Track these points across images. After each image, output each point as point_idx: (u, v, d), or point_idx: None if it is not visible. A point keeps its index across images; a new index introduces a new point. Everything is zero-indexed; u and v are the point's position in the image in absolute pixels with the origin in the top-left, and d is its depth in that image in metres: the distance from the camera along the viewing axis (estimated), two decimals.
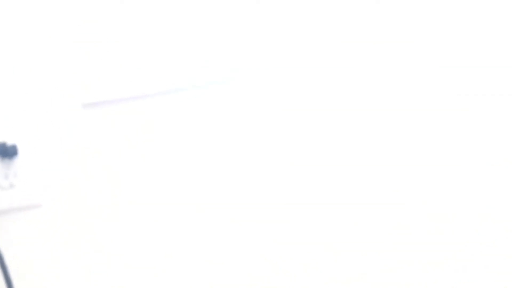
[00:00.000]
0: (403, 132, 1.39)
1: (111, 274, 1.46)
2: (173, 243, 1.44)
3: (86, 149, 1.47)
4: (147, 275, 1.45)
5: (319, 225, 1.41)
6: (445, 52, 1.37)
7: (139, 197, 1.45)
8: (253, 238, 1.43)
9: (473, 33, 1.36)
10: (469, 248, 1.37)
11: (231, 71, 1.41)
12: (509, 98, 1.36)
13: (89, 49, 1.45)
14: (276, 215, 1.42)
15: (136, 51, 1.44)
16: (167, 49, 1.43)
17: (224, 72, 1.41)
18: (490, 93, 1.36)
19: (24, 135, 1.49)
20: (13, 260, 1.47)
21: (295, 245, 1.42)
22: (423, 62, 1.38)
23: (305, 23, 1.40)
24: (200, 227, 1.44)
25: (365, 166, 1.40)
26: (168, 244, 1.45)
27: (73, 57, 1.47)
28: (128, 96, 1.44)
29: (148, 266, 1.45)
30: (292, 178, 1.41)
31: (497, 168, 1.36)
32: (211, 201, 1.43)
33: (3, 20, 1.49)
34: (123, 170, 1.45)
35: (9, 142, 1.49)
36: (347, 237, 1.40)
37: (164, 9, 1.43)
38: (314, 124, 1.41)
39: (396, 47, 1.38)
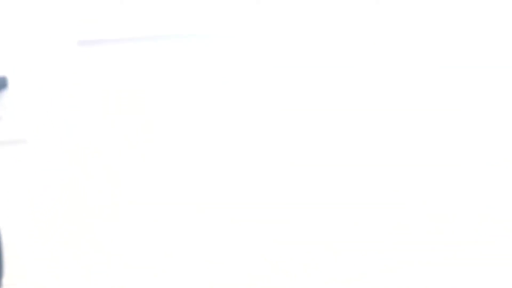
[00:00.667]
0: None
1: (97, 216, 1.45)
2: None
3: (78, 86, 1.45)
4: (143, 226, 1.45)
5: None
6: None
7: (133, 133, 1.44)
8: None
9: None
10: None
11: (224, 25, 1.43)
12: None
13: None
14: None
15: None
16: None
17: (218, 25, 1.43)
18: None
19: (15, 68, 1.45)
20: None
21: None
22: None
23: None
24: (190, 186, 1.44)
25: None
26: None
27: None
28: (122, 37, 1.44)
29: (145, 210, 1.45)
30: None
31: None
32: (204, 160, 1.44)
33: None
34: (115, 109, 1.44)
35: (0, 73, 1.45)
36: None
37: None
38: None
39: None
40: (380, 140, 1.40)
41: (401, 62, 1.40)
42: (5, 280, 1.40)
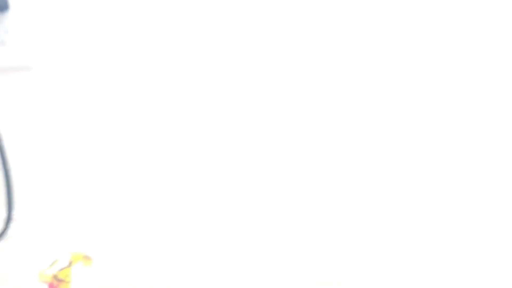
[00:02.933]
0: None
1: (105, 141, 1.39)
2: None
3: (83, 12, 1.39)
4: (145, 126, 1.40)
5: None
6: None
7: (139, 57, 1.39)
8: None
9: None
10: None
11: None
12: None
13: None
14: None
15: None
16: None
17: None
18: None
19: None
20: (2, 121, 1.37)
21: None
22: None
23: None
24: None
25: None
26: None
27: None
28: None
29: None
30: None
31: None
32: None
33: None
34: (116, 35, 1.39)
35: None
36: (346, 236, 1.40)
37: None
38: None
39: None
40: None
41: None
42: (16, 212, 1.36)
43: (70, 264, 0.97)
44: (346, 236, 1.38)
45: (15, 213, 1.33)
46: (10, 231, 1.32)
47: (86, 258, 1.00)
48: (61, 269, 0.96)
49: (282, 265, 1.38)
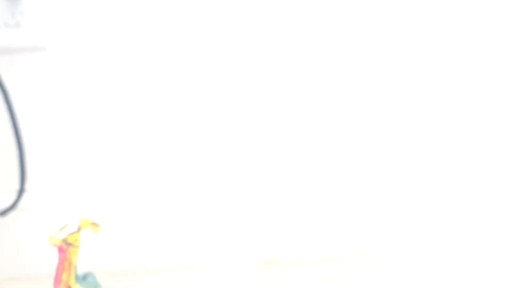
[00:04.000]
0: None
1: (114, 118, 1.44)
2: None
3: None
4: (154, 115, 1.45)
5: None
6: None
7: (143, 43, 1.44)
8: None
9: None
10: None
11: None
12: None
13: None
14: None
15: None
16: None
17: None
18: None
19: None
20: (16, 99, 1.40)
21: None
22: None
23: None
24: None
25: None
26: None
27: None
28: None
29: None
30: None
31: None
32: None
33: None
34: (129, 16, 1.44)
35: None
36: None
37: None
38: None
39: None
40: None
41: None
42: (28, 184, 1.42)
43: (79, 230, 1.04)
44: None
45: (28, 185, 1.38)
46: (22, 203, 1.38)
47: (94, 224, 1.06)
48: (71, 234, 1.02)
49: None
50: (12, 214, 1.37)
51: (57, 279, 1.03)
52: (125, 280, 1.36)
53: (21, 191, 1.36)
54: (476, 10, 1.43)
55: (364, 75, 1.45)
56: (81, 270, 1.16)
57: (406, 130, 1.46)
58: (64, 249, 1.03)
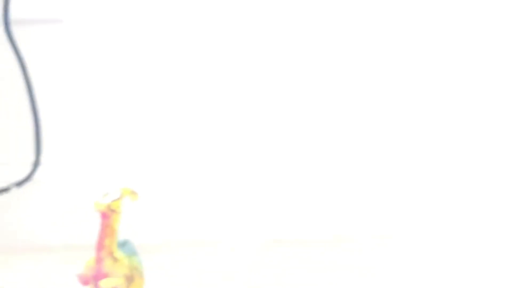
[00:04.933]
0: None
1: (131, 90, 1.45)
2: None
3: None
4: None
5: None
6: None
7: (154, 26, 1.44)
8: None
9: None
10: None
11: None
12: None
13: None
14: None
15: None
16: None
17: None
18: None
19: None
20: (33, 70, 1.41)
21: None
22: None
23: None
24: None
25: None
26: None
27: None
28: None
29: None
30: None
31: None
32: None
33: None
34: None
35: None
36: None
37: None
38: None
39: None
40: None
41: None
42: (43, 157, 1.42)
43: (121, 197, 1.05)
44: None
45: (43, 157, 1.39)
46: (37, 175, 1.38)
47: (133, 193, 1.07)
48: (114, 200, 1.04)
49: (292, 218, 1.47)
50: (27, 186, 1.37)
51: (100, 245, 1.04)
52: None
53: (36, 163, 1.36)
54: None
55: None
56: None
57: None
58: (108, 215, 1.04)
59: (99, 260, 1.04)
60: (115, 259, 1.04)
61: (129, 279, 1.05)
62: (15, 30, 1.38)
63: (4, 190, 1.35)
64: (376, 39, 1.45)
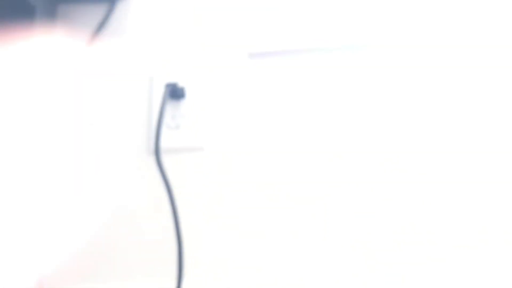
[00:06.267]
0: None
1: (272, 219, 1.48)
2: None
3: (249, 96, 1.54)
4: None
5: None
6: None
7: (294, 144, 1.51)
8: None
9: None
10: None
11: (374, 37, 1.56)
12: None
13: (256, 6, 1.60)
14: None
15: (294, 10, 1.59)
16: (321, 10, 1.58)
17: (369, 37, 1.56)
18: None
19: (193, 79, 1.56)
20: (178, 196, 1.47)
21: None
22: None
23: None
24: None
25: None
26: None
27: (240, 11, 1.60)
28: (286, 49, 1.56)
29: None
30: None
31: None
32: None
33: None
34: (278, 117, 1.53)
35: (180, 84, 1.54)
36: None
37: None
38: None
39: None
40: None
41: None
42: (184, 284, 1.45)
43: None
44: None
45: (184, 283, 1.42)
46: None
47: None
48: None
49: None
50: None
51: None
52: None
53: None
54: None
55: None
56: None
57: None
58: None
59: None
60: None
61: None
62: (163, 158, 1.47)
63: None
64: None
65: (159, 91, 1.53)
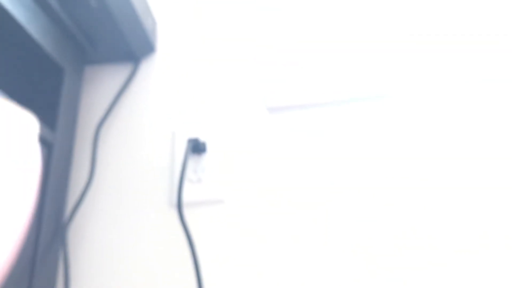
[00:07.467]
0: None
1: (293, 270, 1.49)
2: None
3: (269, 150, 1.58)
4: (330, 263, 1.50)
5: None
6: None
7: (315, 194, 1.54)
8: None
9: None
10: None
11: (390, 87, 1.60)
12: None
13: (275, 61, 1.65)
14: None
15: (314, 63, 1.64)
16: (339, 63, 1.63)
17: (383, 87, 1.60)
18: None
19: (214, 134, 1.60)
20: (200, 250, 1.51)
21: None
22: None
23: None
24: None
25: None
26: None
27: (261, 65, 1.64)
28: (305, 103, 1.60)
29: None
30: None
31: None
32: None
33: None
34: (298, 170, 1.56)
35: (201, 139, 1.59)
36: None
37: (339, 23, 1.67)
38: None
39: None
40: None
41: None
42: None
43: None
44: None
45: None
46: None
47: None
48: None
49: None
50: None
51: None
52: None
53: None
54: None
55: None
56: None
57: None
58: None
59: None
60: None
61: None
62: (185, 211, 1.52)
63: None
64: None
65: (181, 146, 1.57)
